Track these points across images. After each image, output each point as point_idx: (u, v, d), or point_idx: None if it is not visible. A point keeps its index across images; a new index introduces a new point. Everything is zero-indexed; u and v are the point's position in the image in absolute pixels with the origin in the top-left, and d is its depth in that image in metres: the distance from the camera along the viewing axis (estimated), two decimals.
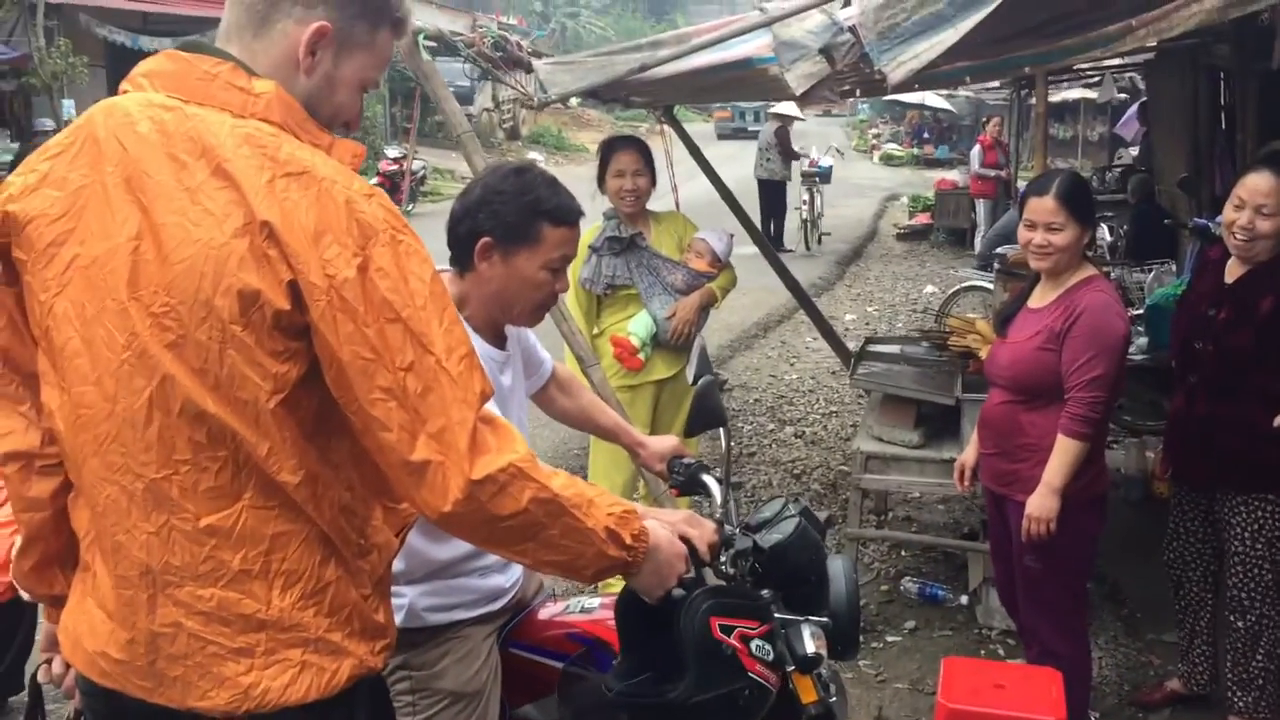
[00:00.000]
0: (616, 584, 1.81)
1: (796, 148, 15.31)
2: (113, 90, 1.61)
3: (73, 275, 1.47)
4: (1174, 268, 6.90)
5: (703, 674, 1.76)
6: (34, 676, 1.90)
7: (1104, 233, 9.12)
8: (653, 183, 4.43)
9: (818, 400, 7.80)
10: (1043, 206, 3.18)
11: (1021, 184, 10.78)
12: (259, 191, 1.40)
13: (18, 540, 1.70)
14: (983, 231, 13.23)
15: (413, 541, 2.06)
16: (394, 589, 1.74)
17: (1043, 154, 6.13)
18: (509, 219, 2.13)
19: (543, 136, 30.49)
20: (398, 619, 1.73)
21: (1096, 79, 13.42)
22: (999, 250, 7.79)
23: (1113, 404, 3.27)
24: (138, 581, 1.48)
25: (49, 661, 1.79)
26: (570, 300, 4.33)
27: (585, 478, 2.93)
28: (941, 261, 14.23)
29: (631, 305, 4.42)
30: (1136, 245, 8.25)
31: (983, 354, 4.27)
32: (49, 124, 14.76)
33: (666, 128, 6.07)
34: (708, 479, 2.28)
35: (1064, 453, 3.11)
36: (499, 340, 2.30)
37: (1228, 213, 3.34)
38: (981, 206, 14.27)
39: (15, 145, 13.69)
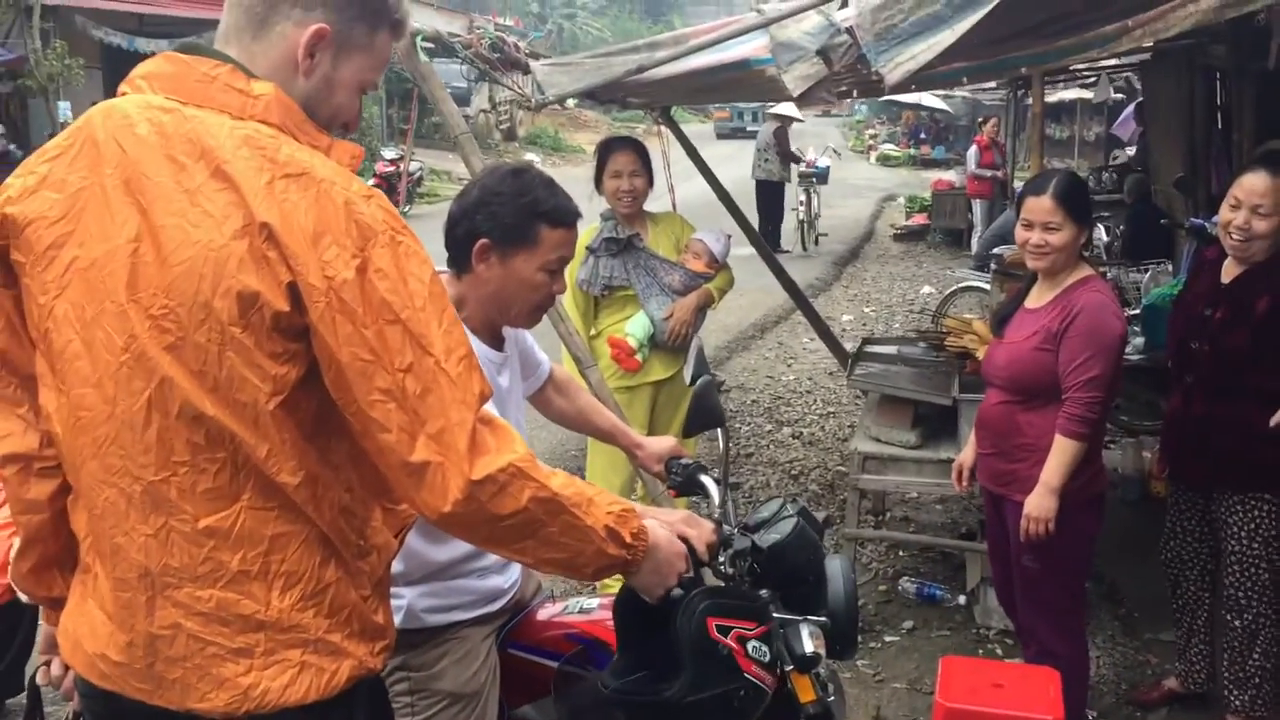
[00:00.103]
0: (615, 585, 1.82)
1: (794, 149, 15.31)
2: (109, 92, 1.62)
3: (72, 277, 1.47)
4: (1170, 268, 6.91)
5: (698, 674, 1.77)
6: (33, 678, 1.90)
7: (1100, 233, 9.14)
8: (650, 184, 4.44)
9: (815, 401, 7.81)
10: (1040, 206, 3.18)
11: (1018, 184, 10.79)
12: (258, 193, 1.41)
13: (16, 542, 1.70)
14: (979, 232, 13.25)
15: (411, 543, 2.06)
16: (392, 590, 1.74)
17: (1039, 154, 6.12)
18: (507, 220, 2.14)
19: (539, 138, 30.51)
20: (396, 620, 1.73)
21: (1093, 79, 13.43)
22: (996, 250, 7.80)
23: (1110, 404, 3.27)
24: (136, 584, 1.48)
25: (48, 663, 1.79)
26: (567, 301, 4.33)
27: (583, 479, 2.93)
28: (938, 262, 14.26)
29: (629, 306, 4.43)
30: (1133, 245, 8.26)
31: (980, 354, 4.28)
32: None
33: (664, 129, 6.07)
34: (705, 480, 2.28)
35: (1062, 453, 3.11)
36: (497, 341, 2.30)
37: (1224, 213, 3.34)
38: (978, 207, 14.29)
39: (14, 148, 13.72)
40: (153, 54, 1.59)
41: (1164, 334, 3.88)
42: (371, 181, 16.26)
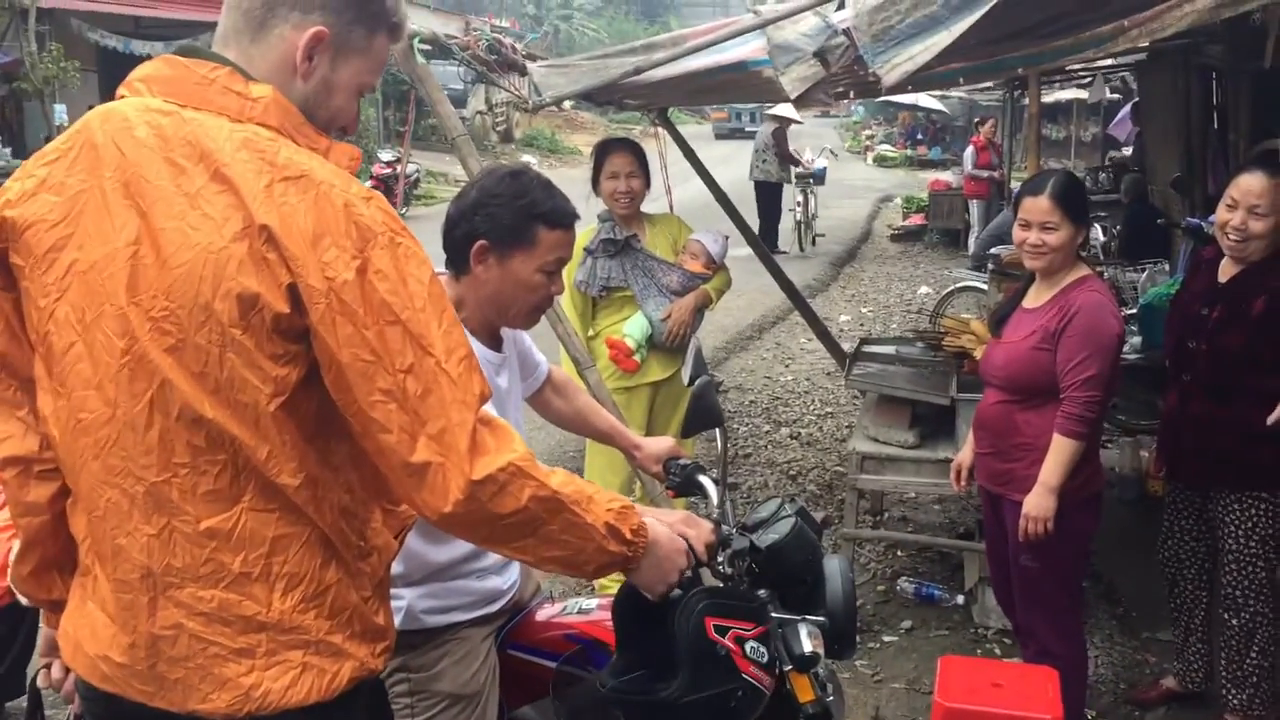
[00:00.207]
0: (613, 586, 1.82)
1: (792, 150, 15.30)
2: (104, 95, 1.63)
3: (72, 280, 1.47)
4: (1167, 267, 6.92)
5: (696, 674, 1.77)
6: (33, 681, 1.90)
7: (1097, 232, 9.15)
8: (647, 185, 4.44)
9: (813, 401, 7.82)
10: (1037, 206, 3.19)
11: (1015, 184, 10.80)
12: (257, 195, 1.41)
13: (15, 545, 1.70)
14: (976, 232, 13.25)
15: (410, 544, 2.06)
16: (392, 591, 1.75)
17: (1036, 154, 6.15)
18: (505, 222, 2.14)
19: (536, 139, 30.51)
20: (396, 621, 1.74)
21: (1089, 79, 13.46)
22: (993, 251, 7.80)
23: (1107, 403, 3.28)
24: (138, 584, 1.48)
25: (48, 666, 1.79)
26: (565, 302, 4.34)
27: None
28: (935, 262, 14.27)
29: (627, 307, 4.43)
30: (1130, 245, 8.28)
31: (977, 354, 4.29)
32: None
33: (661, 130, 6.07)
34: (704, 480, 2.28)
35: (1060, 452, 3.12)
36: (495, 342, 2.30)
37: (1221, 213, 3.35)
38: (975, 207, 14.30)
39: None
40: (148, 56, 1.60)
41: (1161, 333, 3.89)
42: (368, 184, 16.23)
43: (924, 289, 12.04)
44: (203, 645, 1.47)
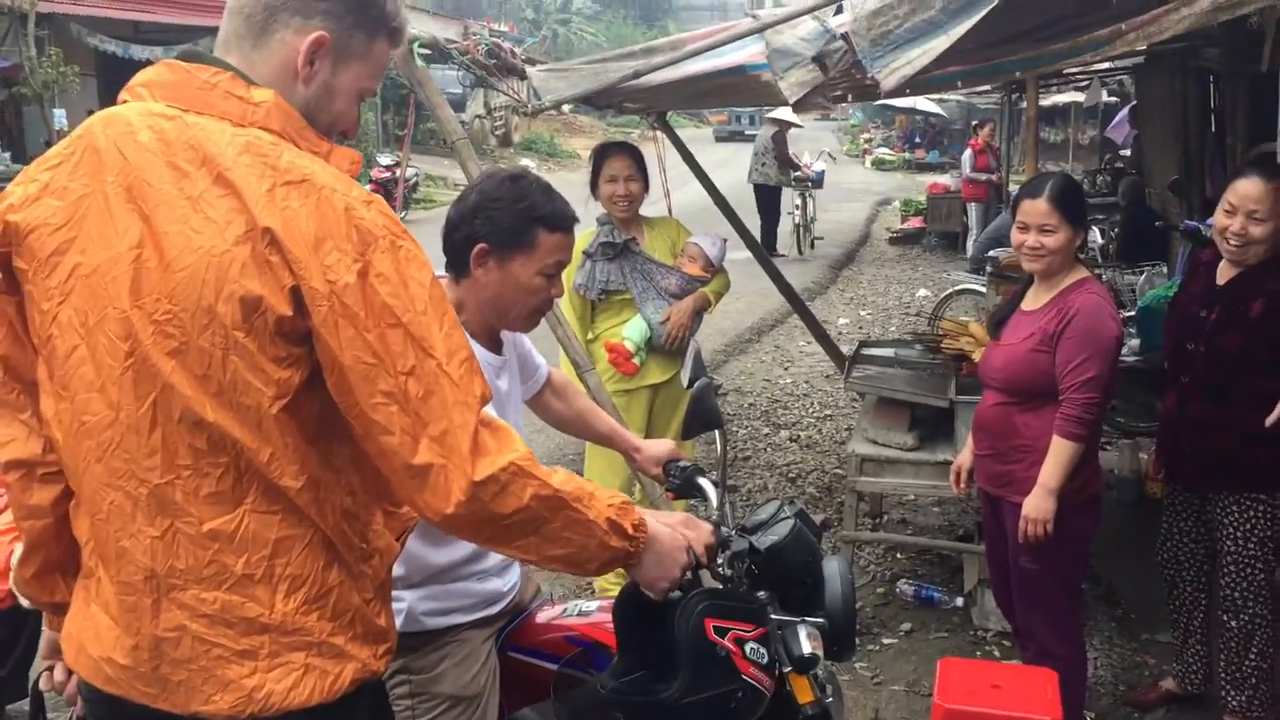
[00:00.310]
0: (613, 588, 1.83)
1: (790, 154, 15.30)
2: (104, 100, 1.63)
3: (75, 284, 1.48)
4: (1165, 269, 6.94)
5: (696, 675, 1.78)
6: (36, 683, 1.90)
7: (1095, 235, 9.16)
8: (645, 188, 4.45)
9: (812, 404, 7.82)
10: (1035, 209, 3.20)
11: (1013, 187, 10.81)
12: (260, 199, 1.42)
13: (18, 548, 1.71)
14: (975, 235, 13.27)
15: (411, 546, 2.07)
16: (393, 593, 1.75)
17: (1034, 157, 6.17)
18: (504, 225, 2.15)
19: (535, 143, 30.52)
20: (396, 623, 1.74)
21: (1086, 83, 13.47)
22: (991, 253, 7.81)
23: (1106, 405, 3.29)
24: (142, 586, 1.49)
25: (51, 669, 1.80)
26: (565, 305, 4.34)
27: None
28: (934, 265, 14.28)
29: (626, 310, 4.44)
30: (1128, 247, 8.29)
31: (976, 356, 4.30)
32: None
33: (659, 133, 6.08)
34: (703, 482, 2.29)
35: (1059, 454, 3.12)
36: (495, 345, 2.31)
37: (1219, 218, 3.35)
38: (973, 210, 14.31)
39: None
40: (148, 61, 1.61)
41: (1159, 335, 3.89)
42: (367, 187, 16.23)
43: (922, 291, 12.05)
44: (206, 647, 1.48)
